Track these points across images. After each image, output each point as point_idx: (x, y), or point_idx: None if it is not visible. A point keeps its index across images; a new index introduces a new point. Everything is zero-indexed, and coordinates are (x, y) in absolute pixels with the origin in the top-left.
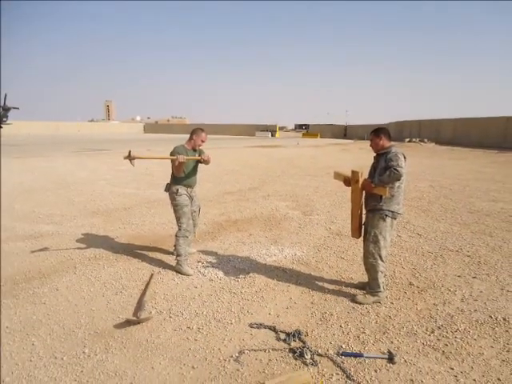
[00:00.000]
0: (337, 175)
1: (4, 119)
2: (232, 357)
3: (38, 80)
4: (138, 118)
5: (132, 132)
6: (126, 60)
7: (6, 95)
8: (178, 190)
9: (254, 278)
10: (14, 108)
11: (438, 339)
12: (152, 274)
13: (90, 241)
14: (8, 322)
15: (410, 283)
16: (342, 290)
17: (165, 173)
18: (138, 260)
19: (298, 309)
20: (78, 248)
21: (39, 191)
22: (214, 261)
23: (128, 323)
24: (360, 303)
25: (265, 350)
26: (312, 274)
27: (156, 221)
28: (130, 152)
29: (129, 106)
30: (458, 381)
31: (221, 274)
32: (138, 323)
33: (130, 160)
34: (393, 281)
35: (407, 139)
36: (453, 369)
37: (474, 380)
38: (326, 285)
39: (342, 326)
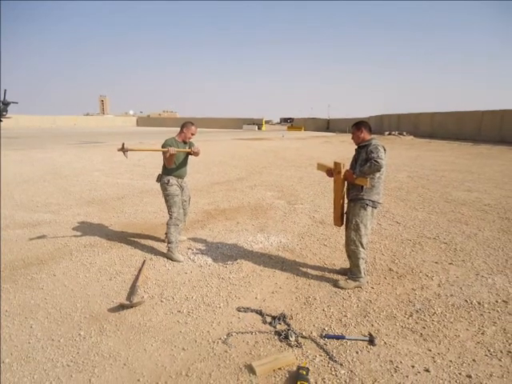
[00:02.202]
0: (320, 166)
1: (4, 113)
2: (220, 339)
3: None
4: (131, 112)
5: (126, 125)
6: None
7: (5, 91)
8: (169, 180)
9: (241, 264)
10: (13, 103)
11: (417, 322)
12: (144, 261)
13: (86, 229)
14: (7, 306)
15: (390, 269)
16: (324, 275)
17: (156, 164)
18: (131, 247)
19: (283, 293)
20: (74, 235)
21: (37, 181)
22: (203, 248)
23: (121, 307)
24: (342, 288)
25: (251, 333)
26: (296, 260)
27: (148, 210)
28: (123, 144)
29: (122, 101)
30: (435, 362)
31: (210, 260)
32: (131, 307)
33: (124, 152)
34: (373, 267)
35: (387, 132)
36: (430, 350)
37: (451, 361)
38: (309, 270)
39: (325, 309)
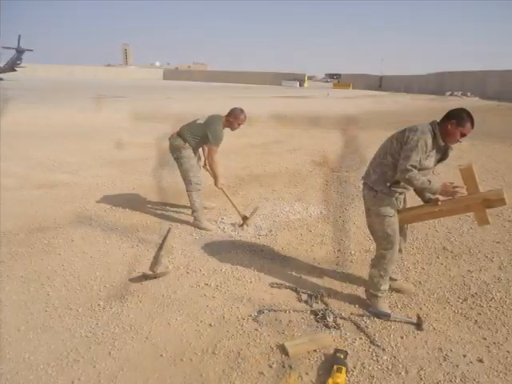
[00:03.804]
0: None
1: (18, 62)
2: (251, 316)
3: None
4: (158, 64)
5: (151, 78)
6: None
7: (19, 36)
8: (185, 143)
9: (276, 237)
10: (28, 50)
11: (471, 308)
12: (170, 228)
13: (106, 191)
14: (22, 272)
15: (444, 248)
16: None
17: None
18: (155, 213)
19: (321, 270)
20: (94, 199)
21: (54, 139)
22: (234, 217)
23: (144, 277)
24: None
25: (285, 311)
26: (338, 234)
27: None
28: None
29: (148, 51)
30: (490, 352)
31: (241, 230)
32: (155, 278)
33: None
34: (425, 244)
35: (448, 93)
36: (485, 339)
37: (508, 351)
38: (352, 246)
39: None
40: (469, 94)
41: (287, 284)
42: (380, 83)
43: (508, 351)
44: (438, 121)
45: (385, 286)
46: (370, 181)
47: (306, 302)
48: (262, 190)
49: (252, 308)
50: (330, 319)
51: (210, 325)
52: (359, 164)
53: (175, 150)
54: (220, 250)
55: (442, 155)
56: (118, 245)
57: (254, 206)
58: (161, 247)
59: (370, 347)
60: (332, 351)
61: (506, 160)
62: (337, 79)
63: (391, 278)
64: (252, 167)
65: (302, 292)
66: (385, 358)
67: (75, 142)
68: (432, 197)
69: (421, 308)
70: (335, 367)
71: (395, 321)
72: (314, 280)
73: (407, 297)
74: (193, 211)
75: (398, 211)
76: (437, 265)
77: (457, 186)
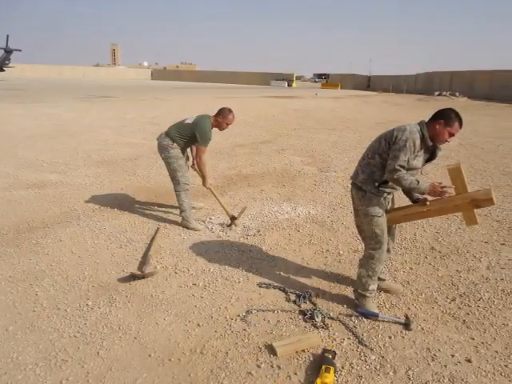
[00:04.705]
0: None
1: (6, 62)
2: (239, 316)
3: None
4: (146, 64)
5: (139, 78)
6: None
7: (7, 36)
8: (173, 143)
9: (264, 237)
10: (17, 50)
11: (459, 307)
12: (158, 228)
13: (95, 191)
14: (11, 271)
15: (432, 248)
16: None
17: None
18: (143, 213)
19: (310, 270)
20: (82, 199)
21: (42, 138)
22: (222, 217)
23: (132, 277)
24: None
25: (273, 311)
26: (326, 234)
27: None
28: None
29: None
30: (478, 352)
31: (229, 230)
32: (143, 278)
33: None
34: (413, 244)
35: (437, 92)
36: (473, 339)
37: (496, 351)
38: (340, 246)
39: None
40: (457, 93)
41: (275, 284)
42: (368, 83)
43: (496, 351)
44: (427, 121)
45: (373, 286)
46: (358, 181)
47: (294, 302)
48: (251, 190)
49: (240, 308)
50: (319, 319)
51: (199, 325)
52: (347, 164)
53: (163, 150)
54: (208, 250)
55: (431, 155)
56: (106, 245)
57: (243, 206)
58: (149, 247)
59: (358, 347)
60: (320, 351)
61: (494, 160)
62: (325, 79)
63: (379, 278)
64: (240, 167)
65: (291, 292)
66: (373, 357)
67: (64, 141)
68: (420, 197)
69: (409, 308)
70: (323, 367)
71: (383, 321)
72: (303, 280)
73: (395, 297)
74: (181, 211)
75: (387, 211)
76: (425, 265)
77: (445, 186)
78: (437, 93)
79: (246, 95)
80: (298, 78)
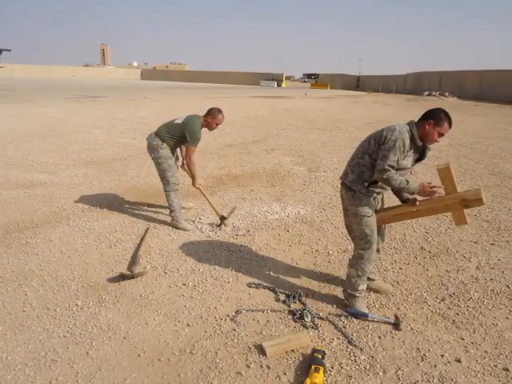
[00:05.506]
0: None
1: None
2: (228, 316)
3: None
4: (135, 64)
5: (129, 78)
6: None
7: None
8: (163, 143)
9: (253, 237)
10: (6, 50)
11: (449, 308)
12: (147, 228)
13: (84, 192)
14: (0, 271)
15: (422, 248)
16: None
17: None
18: (133, 213)
19: (299, 270)
20: (72, 199)
21: (32, 138)
22: (212, 217)
23: (122, 277)
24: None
25: (263, 311)
26: (316, 234)
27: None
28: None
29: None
30: (467, 352)
31: (219, 230)
32: (132, 278)
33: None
34: (403, 244)
35: (426, 92)
36: (463, 339)
37: (486, 351)
38: (330, 246)
39: None
40: (447, 94)
41: (265, 284)
42: (358, 83)
43: (486, 351)
44: (416, 121)
45: (363, 286)
46: (347, 180)
47: (283, 302)
48: (240, 190)
49: (230, 308)
50: (308, 319)
51: (188, 325)
52: (337, 164)
53: (153, 150)
54: (198, 250)
55: (420, 155)
56: (95, 245)
57: (232, 206)
58: (138, 247)
59: (347, 347)
60: (310, 351)
61: (483, 160)
62: (315, 79)
63: (369, 278)
64: (230, 167)
65: (280, 292)
66: (362, 358)
67: (53, 141)
68: (410, 197)
69: (398, 308)
70: (313, 367)
71: (373, 321)
72: (292, 280)
73: (385, 297)
74: (170, 211)
75: (376, 211)
76: (415, 265)
77: (434, 186)
78: (426, 93)
79: (235, 95)
80: (288, 78)
